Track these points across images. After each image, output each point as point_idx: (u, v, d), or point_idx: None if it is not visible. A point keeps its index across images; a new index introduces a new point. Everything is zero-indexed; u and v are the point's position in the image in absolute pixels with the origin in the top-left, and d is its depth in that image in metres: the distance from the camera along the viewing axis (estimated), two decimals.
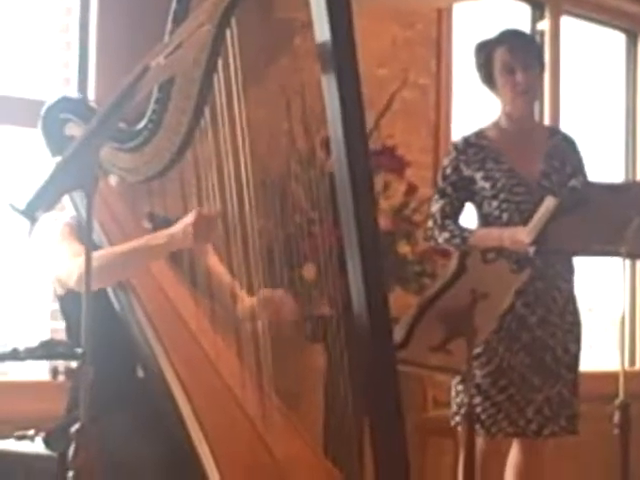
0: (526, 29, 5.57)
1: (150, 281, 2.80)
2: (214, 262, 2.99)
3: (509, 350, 3.69)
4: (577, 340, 3.80)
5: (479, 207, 3.83)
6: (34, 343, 2.20)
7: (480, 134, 3.88)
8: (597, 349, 5.94)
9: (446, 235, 3.76)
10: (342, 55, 2.31)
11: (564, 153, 3.89)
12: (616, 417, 3.44)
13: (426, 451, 4.82)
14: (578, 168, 3.88)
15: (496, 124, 3.89)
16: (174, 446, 2.56)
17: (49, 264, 2.84)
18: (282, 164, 4.30)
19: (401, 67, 5.00)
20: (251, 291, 2.82)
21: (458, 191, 3.81)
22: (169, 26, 2.35)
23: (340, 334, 2.81)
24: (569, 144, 3.94)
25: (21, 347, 2.20)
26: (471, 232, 3.76)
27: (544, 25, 5.85)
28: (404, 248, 4.34)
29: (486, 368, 3.67)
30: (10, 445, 2.97)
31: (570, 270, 3.83)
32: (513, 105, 3.83)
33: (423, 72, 5.19)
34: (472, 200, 3.83)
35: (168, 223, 2.83)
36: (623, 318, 3.63)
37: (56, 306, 3.12)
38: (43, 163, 2.85)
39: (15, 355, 2.19)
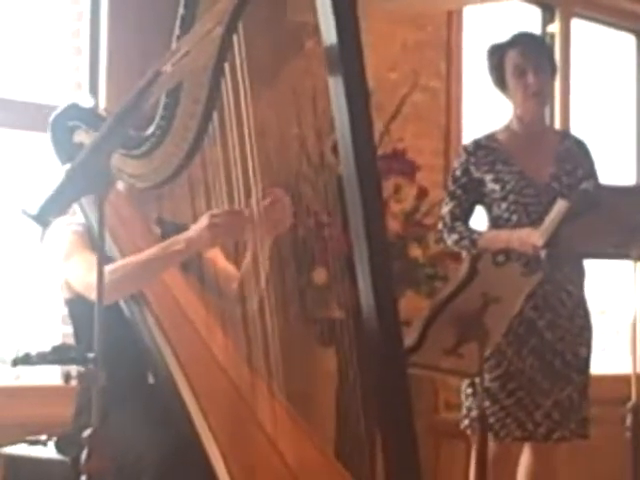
0: (536, 32, 5.56)
1: (160, 287, 2.79)
2: (219, 257, 2.97)
3: (518, 354, 3.68)
4: (587, 344, 3.79)
5: (489, 209, 3.82)
6: (46, 348, 2.21)
7: (491, 137, 3.88)
8: (609, 352, 5.93)
9: (455, 237, 3.76)
10: (349, 58, 2.29)
11: (576, 157, 3.87)
12: (628, 420, 3.43)
13: (438, 453, 4.82)
14: (590, 173, 3.86)
15: (507, 127, 3.89)
16: (184, 451, 2.56)
17: (63, 277, 2.83)
18: (292, 167, 4.30)
19: (411, 70, 4.99)
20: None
21: (468, 193, 3.81)
22: (177, 31, 2.35)
23: (350, 337, 2.81)
24: (581, 148, 3.93)
25: (33, 352, 2.20)
26: (480, 234, 3.76)
27: (554, 28, 5.85)
28: (415, 251, 4.34)
29: (495, 372, 3.66)
30: (22, 450, 2.98)
31: (580, 274, 3.81)
32: (524, 107, 3.82)
33: (433, 75, 5.19)
34: (482, 202, 3.83)
35: (176, 227, 2.83)
36: (635, 321, 3.61)
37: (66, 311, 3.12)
38: (54, 168, 2.85)
39: (27, 360, 2.19)
